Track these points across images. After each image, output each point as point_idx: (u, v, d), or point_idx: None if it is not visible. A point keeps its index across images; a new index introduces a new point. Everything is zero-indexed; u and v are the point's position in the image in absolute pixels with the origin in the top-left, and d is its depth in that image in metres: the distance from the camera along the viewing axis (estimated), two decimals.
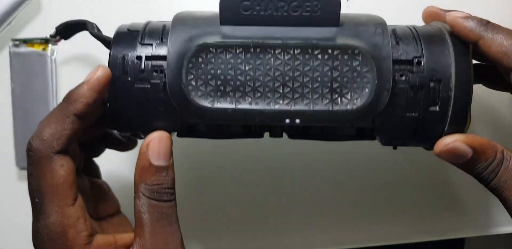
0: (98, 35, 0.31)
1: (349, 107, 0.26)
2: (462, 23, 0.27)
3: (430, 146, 0.28)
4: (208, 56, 0.26)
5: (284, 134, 0.30)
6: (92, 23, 0.33)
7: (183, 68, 0.26)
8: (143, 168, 0.26)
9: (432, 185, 0.40)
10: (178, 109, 0.27)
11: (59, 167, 0.26)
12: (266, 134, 0.30)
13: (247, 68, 0.26)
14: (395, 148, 0.30)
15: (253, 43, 0.26)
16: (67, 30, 0.35)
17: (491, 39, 0.27)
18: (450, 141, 0.26)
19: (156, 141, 0.27)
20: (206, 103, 0.26)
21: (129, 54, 0.27)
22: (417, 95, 0.27)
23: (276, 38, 0.26)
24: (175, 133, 0.30)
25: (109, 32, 0.38)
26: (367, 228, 0.40)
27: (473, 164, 0.27)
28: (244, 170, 0.40)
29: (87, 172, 0.32)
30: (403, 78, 0.27)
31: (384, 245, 0.40)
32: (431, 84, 0.26)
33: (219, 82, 0.26)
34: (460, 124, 0.27)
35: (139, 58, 0.27)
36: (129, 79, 0.27)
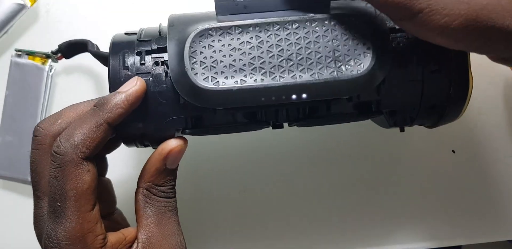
0: (97, 53, 0.31)
1: (354, 73, 0.26)
2: None
3: (436, 118, 0.29)
4: (209, 39, 0.26)
5: (291, 129, 0.29)
6: (93, 44, 0.33)
7: (185, 53, 0.26)
8: (158, 171, 0.28)
9: (438, 187, 0.40)
10: (183, 94, 0.27)
11: (85, 172, 0.26)
12: (269, 131, 0.30)
13: (248, 47, 0.26)
14: (402, 130, 0.30)
15: (251, 23, 0.26)
16: (69, 48, 0.36)
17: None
18: None
19: (177, 150, 0.28)
20: (210, 85, 0.26)
21: (129, 51, 0.28)
22: (416, 58, 0.27)
23: (274, 17, 0.26)
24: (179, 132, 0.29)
25: (106, 40, 0.39)
26: (368, 232, 0.40)
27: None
28: (243, 170, 0.40)
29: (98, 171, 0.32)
30: (401, 44, 0.27)
31: None
32: (428, 47, 0.27)
33: (221, 64, 0.26)
34: (464, 84, 0.27)
35: (139, 53, 0.28)
36: (130, 73, 0.27)
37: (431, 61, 0.27)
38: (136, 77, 0.27)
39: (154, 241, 0.27)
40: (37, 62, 0.38)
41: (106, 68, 0.28)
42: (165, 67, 0.27)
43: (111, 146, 0.32)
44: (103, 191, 0.31)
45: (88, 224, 0.26)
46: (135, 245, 0.27)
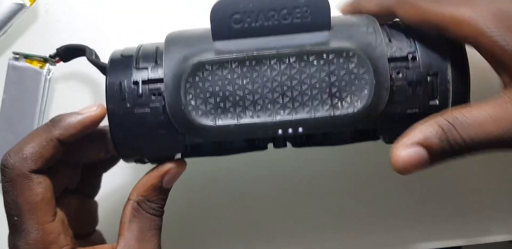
0: (95, 62, 0.31)
1: (350, 110, 0.26)
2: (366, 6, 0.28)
3: None
4: (205, 73, 0.26)
5: (288, 144, 0.30)
6: (91, 50, 0.33)
7: (181, 89, 0.26)
8: (153, 187, 0.28)
9: (438, 187, 0.40)
10: (180, 130, 0.27)
11: (36, 184, 0.26)
12: (270, 145, 0.30)
13: (244, 82, 0.26)
14: None
15: (247, 56, 0.26)
16: (67, 53, 0.35)
17: (404, 3, 0.26)
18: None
19: (176, 171, 0.28)
20: (208, 121, 0.26)
21: (126, 81, 0.27)
22: (415, 91, 0.27)
23: (270, 48, 0.26)
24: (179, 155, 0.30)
25: (105, 39, 0.39)
26: (368, 233, 0.40)
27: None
28: (244, 179, 0.40)
29: (83, 190, 0.32)
30: (400, 75, 0.27)
31: None
32: (429, 78, 0.26)
33: (218, 99, 0.26)
34: None
35: (135, 83, 0.27)
36: (128, 105, 0.27)
37: (430, 92, 0.27)
38: (99, 103, 0.28)
39: None
40: (35, 65, 0.38)
41: (104, 74, 0.28)
42: (162, 99, 0.27)
43: (108, 164, 0.33)
44: (85, 213, 0.31)
45: (49, 235, 0.26)
46: None
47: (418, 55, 0.27)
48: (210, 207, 0.40)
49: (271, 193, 0.40)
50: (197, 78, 0.26)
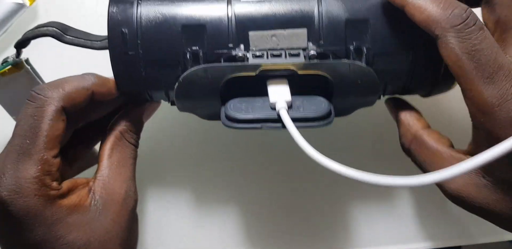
0: (73, 42, 0.30)
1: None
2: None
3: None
4: None
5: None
6: (61, 27, 0.31)
7: None
8: (136, 119, 0.32)
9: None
10: None
11: (61, 121, 0.27)
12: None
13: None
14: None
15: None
16: (24, 43, 0.32)
17: (415, 5, 0.25)
18: None
19: (155, 106, 0.33)
20: None
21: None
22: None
23: None
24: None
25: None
26: (368, 232, 0.40)
27: None
28: (242, 171, 0.40)
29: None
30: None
31: None
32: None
33: None
34: None
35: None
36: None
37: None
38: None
39: (111, 181, 0.29)
40: (14, 72, 0.34)
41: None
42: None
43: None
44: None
45: (49, 167, 0.26)
46: (92, 182, 0.28)
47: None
48: (211, 207, 0.40)
49: (270, 192, 0.40)
50: None
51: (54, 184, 0.26)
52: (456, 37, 0.24)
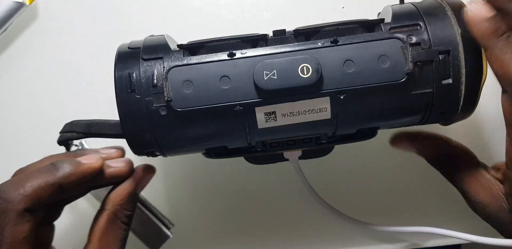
0: (91, 134, 0.30)
1: None
2: (478, 23, 0.25)
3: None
4: None
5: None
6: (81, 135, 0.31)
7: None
8: (129, 195, 0.29)
9: (438, 187, 0.40)
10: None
11: (25, 222, 0.26)
12: None
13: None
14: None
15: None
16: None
17: (497, 56, 0.24)
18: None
19: (149, 176, 0.31)
20: None
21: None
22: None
23: None
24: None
25: (104, 39, 0.38)
26: (368, 232, 0.40)
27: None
28: (242, 171, 0.40)
29: (47, 219, 0.31)
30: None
31: None
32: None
33: None
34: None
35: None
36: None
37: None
38: (96, 156, 0.29)
39: None
40: None
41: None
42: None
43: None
44: (43, 235, 0.30)
45: None
46: None
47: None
48: (211, 207, 0.40)
49: (271, 192, 0.40)
50: None
51: None
52: None
